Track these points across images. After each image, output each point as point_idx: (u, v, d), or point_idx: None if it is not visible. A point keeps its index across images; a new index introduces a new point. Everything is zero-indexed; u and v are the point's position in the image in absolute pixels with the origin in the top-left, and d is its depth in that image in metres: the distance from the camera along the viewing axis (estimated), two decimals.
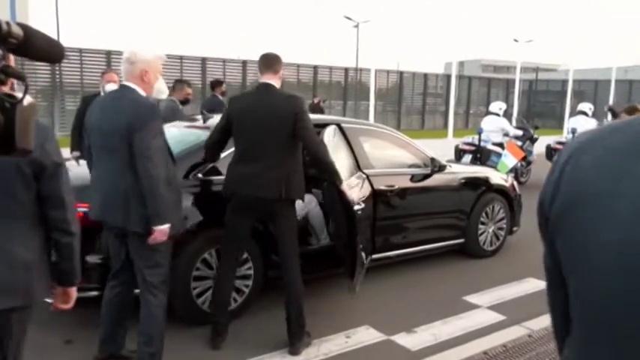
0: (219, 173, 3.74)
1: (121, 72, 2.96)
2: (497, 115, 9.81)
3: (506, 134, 9.78)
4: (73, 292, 2.11)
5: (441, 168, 5.05)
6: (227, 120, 3.40)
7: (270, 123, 3.24)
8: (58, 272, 2.02)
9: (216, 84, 8.71)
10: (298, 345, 3.38)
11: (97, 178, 2.95)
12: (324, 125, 4.04)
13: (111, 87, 5.26)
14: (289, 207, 3.37)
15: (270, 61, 3.38)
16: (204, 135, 4.05)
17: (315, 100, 13.63)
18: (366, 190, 4.05)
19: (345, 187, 3.50)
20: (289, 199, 3.32)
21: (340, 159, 4.37)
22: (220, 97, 8.42)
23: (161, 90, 3.05)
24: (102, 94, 5.24)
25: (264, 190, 3.25)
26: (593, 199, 0.71)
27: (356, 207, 3.56)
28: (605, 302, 0.71)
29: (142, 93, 2.85)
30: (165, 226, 2.76)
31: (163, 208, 2.72)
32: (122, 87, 2.90)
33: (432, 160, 5.02)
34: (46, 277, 1.98)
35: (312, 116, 5.98)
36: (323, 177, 3.53)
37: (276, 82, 3.38)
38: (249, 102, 3.39)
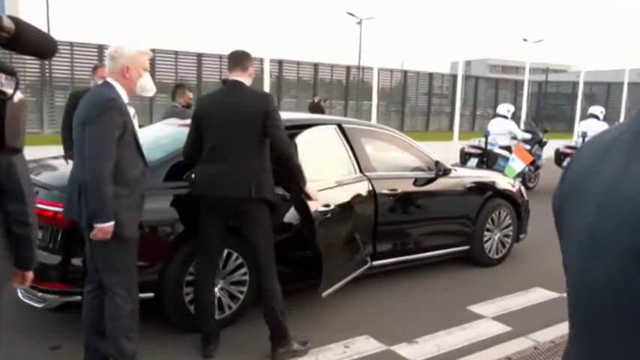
0: None
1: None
2: (505, 117, 9.82)
3: (514, 138, 9.79)
4: (30, 275, 2.27)
5: (445, 172, 5.06)
6: (196, 121, 3.43)
7: (238, 121, 3.26)
8: (17, 258, 2.15)
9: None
10: (280, 357, 3.38)
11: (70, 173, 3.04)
12: (303, 126, 4.03)
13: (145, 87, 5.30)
14: (261, 207, 3.36)
15: (238, 58, 3.42)
16: None
17: (316, 100, 13.66)
18: (342, 194, 4.01)
19: (310, 189, 3.49)
20: (260, 198, 3.31)
21: (340, 160, 4.39)
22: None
23: (145, 87, 3.04)
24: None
25: (233, 189, 3.26)
26: (577, 192, 0.74)
27: (322, 208, 3.59)
28: (575, 291, 0.74)
29: (119, 90, 2.89)
30: (106, 225, 2.75)
31: (105, 205, 2.73)
32: (104, 84, 2.97)
33: (437, 163, 5.03)
34: (8, 262, 2.10)
35: (312, 116, 5.98)
36: (289, 178, 3.54)
37: (245, 80, 3.40)
38: (217, 100, 3.43)
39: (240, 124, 3.27)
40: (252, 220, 3.36)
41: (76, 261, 3.33)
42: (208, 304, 3.46)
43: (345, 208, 3.96)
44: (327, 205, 3.72)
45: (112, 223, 2.77)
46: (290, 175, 3.46)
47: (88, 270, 3.12)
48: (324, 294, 3.70)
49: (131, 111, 2.97)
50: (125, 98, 2.93)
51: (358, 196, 4.28)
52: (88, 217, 2.79)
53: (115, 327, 2.94)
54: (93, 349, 3.09)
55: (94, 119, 2.78)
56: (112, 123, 2.77)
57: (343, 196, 4.02)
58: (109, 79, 2.94)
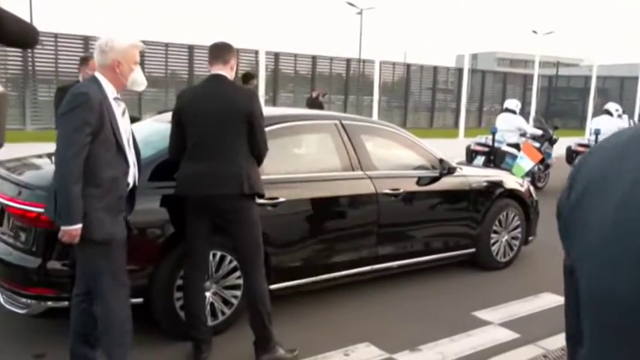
0: None
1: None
2: (514, 112, 9.84)
3: (523, 134, 9.81)
4: None
5: (450, 170, 5.07)
6: (177, 116, 3.44)
7: (223, 116, 3.29)
8: None
9: (247, 77, 8.82)
10: (265, 357, 3.39)
11: None
12: (301, 122, 4.07)
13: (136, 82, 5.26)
14: (251, 205, 3.39)
15: (219, 51, 3.44)
16: None
17: (314, 94, 13.66)
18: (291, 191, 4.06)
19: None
20: (253, 193, 3.35)
21: (340, 158, 4.41)
22: None
23: (137, 81, 3.02)
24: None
25: (222, 187, 3.28)
26: (594, 194, 0.77)
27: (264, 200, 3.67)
28: (591, 296, 0.76)
29: (105, 85, 2.86)
30: (71, 228, 2.72)
31: (70, 206, 2.69)
32: (91, 78, 2.94)
33: (441, 161, 5.04)
34: None
35: (311, 112, 5.98)
36: None
37: (227, 73, 3.42)
38: (198, 95, 3.45)
39: (225, 120, 3.29)
40: (242, 218, 3.36)
41: (60, 264, 3.33)
42: (198, 309, 3.47)
43: (304, 205, 4.04)
44: (274, 198, 3.83)
45: (78, 226, 2.72)
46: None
47: (76, 274, 3.12)
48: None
49: (121, 107, 2.95)
50: (112, 94, 2.90)
51: (359, 195, 4.28)
52: (57, 218, 2.78)
53: (107, 336, 2.93)
54: (79, 357, 3.09)
55: (63, 115, 2.76)
56: (80, 119, 2.71)
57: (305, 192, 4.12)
58: (96, 74, 2.92)
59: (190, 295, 3.47)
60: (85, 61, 5.56)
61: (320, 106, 12.30)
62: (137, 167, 3.07)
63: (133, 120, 5.36)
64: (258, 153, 3.40)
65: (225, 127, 3.29)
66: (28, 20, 1.35)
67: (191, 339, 3.45)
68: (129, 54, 2.92)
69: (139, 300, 3.47)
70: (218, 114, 3.29)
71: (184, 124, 3.39)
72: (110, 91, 2.89)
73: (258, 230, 3.43)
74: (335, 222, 4.27)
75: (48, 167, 4.14)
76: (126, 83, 2.96)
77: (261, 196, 3.48)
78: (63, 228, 2.74)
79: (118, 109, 2.91)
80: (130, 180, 3.01)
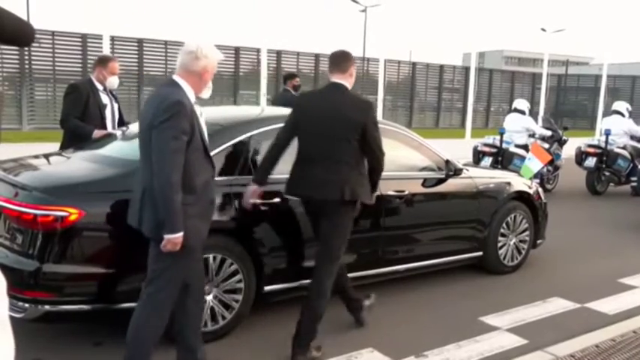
0: None
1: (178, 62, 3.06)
2: (523, 112, 9.83)
3: (532, 135, 9.80)
4: None
5: (456, 172, 5.06)
6: (295, 118, 3.69)
7: (338, 125, 3.52)
8: None
9: (288, 77, 9.26)
10: (300, 357, 3.49)
11: None
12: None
13: (115, 79, 5.28)
14: (349, 210, 3.60)
15: (338, 60, 3.68)
16: None
17: None
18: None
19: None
20: (353, 200, 3.56)
21: None
22: (293, 92, 8.97)
23: (209, 89, 3.16)
24: (97, 84, 5.24)
25: (323, 192, 3.53)
26: None
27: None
28: None
29: (187, 90, 2.96)
30: (175, 236, 2.82)
31: (174, 215, 2.80)
32: (171, 83, 3.03)
33: (447, 162, 5.03)
34: None
35: None
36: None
37: (346, 82, 3.64)
38: (316, 101, 3.69)
39: (339, 129, 3.52)
40: (335, 223, 3.58)
41: (58, 268, 3.33)
42: (343, 288, 3.93)
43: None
44: (272, 199, 3.89)
45: (181, 234, 2.83)
46: (371, 180, 3.75)
47: (147, 274, 3.16)
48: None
49: (199, 110, 3.05)
50: (192, 98, 2.99)
51: None
52: (156, 227, 2.86)
53: (147, 327, 3.00)
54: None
55: (161, 123, 2.81)
56: (178, 128, 2.81)
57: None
58: (176, 78, 3.00)
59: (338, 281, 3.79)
60: (104, 61, 5.36)
61: None
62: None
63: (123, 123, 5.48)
64: (372, 162, 3.66)
65: (339, 136, 3.51)
66: (24, 18, 1.36)
67: (348, 310, 4.00)
68: (215, 63, 3.06)
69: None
70: (335, 123, 3.52)
71: (299, 127, 3.64)
72: (191, 95, 3.00)
73: (345, 238, 3.63)
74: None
75: (45, 168, 4.16)
76: (204, 90, 3.08)
77: (366, 205, 3.74)
78: (167, 237, 2.82)
79: (199, 113, 3.03)
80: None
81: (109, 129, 5.17)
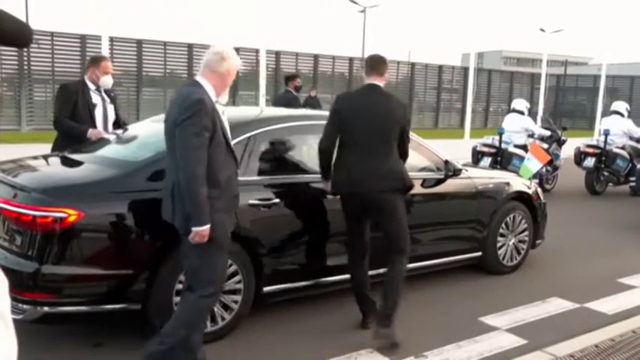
0: None
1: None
2: (522, 113, 9.84)
3: (531, 135, 9.80)
4: None
5: (455, 172, 5.06)
6: (337, 117, 3.92)
7: (382, 122, 3.86)
8: None
9: (290, 78, 9.30)
10: (381, 337, 3.74)
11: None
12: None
13: (108, 79, 5.22)
14: (402, 198, 4.01)
15: (376, 63, 4.01)
16: None
17: (312, 94, 13.67)
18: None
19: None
20: (411, 186, 4.05)
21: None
22: (294, 93, 8.98)
23: (226, 93, 3.35)
24: (89, 84, 5.19)
25: (387, 182, 3.85)
26: None
27: (254, 201, 3.85)
28: None
29: (209, 90, 3.12)
30: (203, 228, 2.96)
31: (201, 208, 2.94)
32: (193, 82, 3.18)
33: (446, 163, 5.03)
34: None
35: (315, 112, 5.96)
36: None
37: (381, 84, 4.00)
38: (358, 101, 3.96)
39: (388, 125, 3.86)
40: (395, 208, 3.91)
41: (57, 269, 3.33)
42: (364, 287, 4.09)
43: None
44: (269, 200, 3.93)
45: (208, 227, 2.97)
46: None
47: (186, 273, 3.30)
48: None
49: (221, 109, 3.20)
50: (214, 97, 3.14)
51: None
52: (184, 220, 3.01)
53: (188, 322, 3.15)
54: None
55: (184, 121, 2.96)
56: (200, 125, 2.95)
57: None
58: (199, 79, 3.17)
59: (355, 275, 4.09)
60: (96, 61, 5.33)
61: (317, 104, 12.30)
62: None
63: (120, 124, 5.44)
64: (403, 156, 4.04)
65: (383, 132, 3.85)
66: (22, 19, 1.35)
67: (361, 311, 4.09)
68: (236, 67, 3.24)
69: (137, 306, 3.48)
70: (381, 119, 3.85)
71: (343, 125, 3.89)
72: (213, 95, 3.15)
73: (406, 224, 4.00)
74: (337, 225, 4.26)
75: (44, 169, 4.16)
76: (225, 91, 3.26)
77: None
78: (194, 229, 2.96)
79: (221, 111, 3.18)
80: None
81: (99, 129, 5.12)
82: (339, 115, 3.92)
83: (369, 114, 3.86)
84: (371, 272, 4.21)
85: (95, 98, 5.20)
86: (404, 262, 3.97)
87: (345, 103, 4.00)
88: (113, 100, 5.40)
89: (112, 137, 4.73)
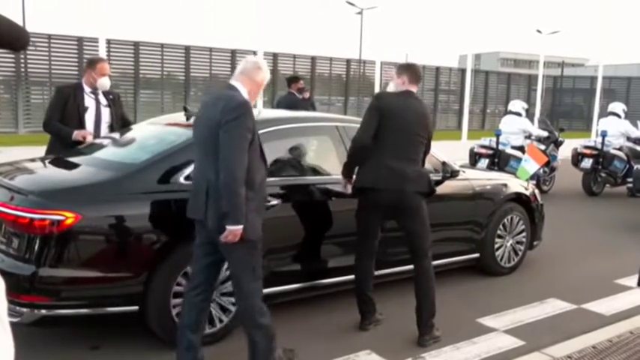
0: None
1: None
2: (519, 114, 9.85)
3: (528, 136, 9.81)
4: None
5: (453, 174, 5.05)
6: (380, 115, 4.02)
7: (416, 125, 4.02)
8: None
9: (292, 80, 9.28)
10: (427, 337, 3.91)
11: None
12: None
13: (105, 81, 5.12)
14: (424, 200, 4.07)
15: (416, 72, 4.23)
16: (185, 134, 4.06)
17: (306, 96, 13.65)
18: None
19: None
20: (433, 191, 4.15)
21: (340, 162, 4.40)
22: (297, 95, 8.95)
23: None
24: (85, 87, 5.12)
25: (415, 184, 3.96)
26: None
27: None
28: None
29: (244, 94, 3.20)
30: (238, 227, 3.00)
31: (239, 208, 2.99)
32: (231, 87, 3.26)
33: (444, 164, 5.03)
34: None
35: (311, 114, 5.96)
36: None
37: (415, 90, 4.18)
38: (399, 103, 4.06)
39: (419, 130, 4.02)
40: (418, 214, 4.00)
41: (55, 272, 3.32)
42: (367, 287, 4.14)
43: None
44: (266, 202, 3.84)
45: (242, 226, 3.02)
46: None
47: (192, 270, 3.34)
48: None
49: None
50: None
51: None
52: (219, 219, 3.03)
53: (249, 324, 3.23)
54: (188, 343, 3.25)
55: (229, 122, 3.01)
56: (245, 127, 3.04)
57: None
58: (234, 83, 3.25)
59: (360, 274, 4.12)
60: (92, 63, 5.25)
61: (312, 106, 12.30)
62: None
63: (127, 124, 5.35)
64: (424, 159, 4.19)
65: (416, 134, 4.00)
66: (19, 22, 1.35)
67: (360, 312, 4.13)
68: (267, 79, 3.42)
69: (134, 308, 3.48)
70: (414, 124, 4.01)
71: (382, 122, 3.99)
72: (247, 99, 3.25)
73: (428, 225, 4.07)
74: (335, 227, 4.26)
75: (41, 172, 4.15)
76: (255, 98, 3.37)
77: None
78: (229, 228, 3.00)
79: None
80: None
81: (87, 130, 5.02)
82: (381, 112, 4.02)
83: (407, 117, 3.98)
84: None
85: (88, 101, 5.09)
86: (427, 262, 4.07)
87: (387, 102, 4.09)
88: (114, 102, 5.27)
89: (105, 141, 4.66)
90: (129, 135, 4.75)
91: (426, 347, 3.83)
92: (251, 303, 3.21)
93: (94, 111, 5.08)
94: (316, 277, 4.30)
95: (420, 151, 4.06)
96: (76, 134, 4.89)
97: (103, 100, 5.18)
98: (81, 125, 5.00)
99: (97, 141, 4.74)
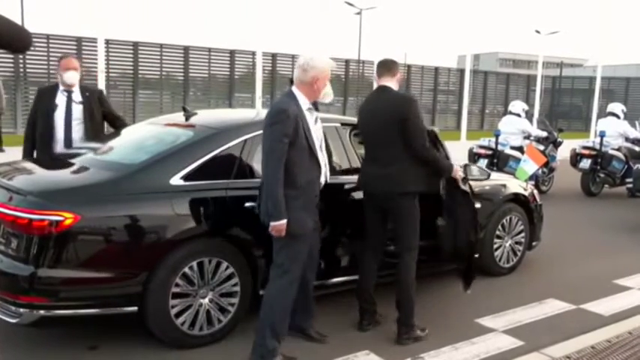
0: (201, 178, 3.75)
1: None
2: (518, 115, 9.86)
3: (527, 137, 9.82)
4: None
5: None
6: (358, 122, 4.14)
7: (384, 123, 3.86)
8: None
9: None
10: (405, 337, 3.91)
11: None
12: None
13: (70, 75, 5.04)
14: (408, 200, 3.92)
15: (386, 63, 4.06)
16: (184, 135, 4.06)
17: None
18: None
19: (457, 174, 4.12)
20: (407, 192, 3.90)
21: (340, 162, 4.41)
22: None
23: (327, 94, 3.63)
24: (60, 84, 5.12)
25: (399, 186, 3.86)
26: None
27: None
28: None
29: (301, 99, 3.45)
30: (278, 223, 3.29)
31: (277, 205, 3.27)
32: (287, 93, 3.53)
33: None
34: None
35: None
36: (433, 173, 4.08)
37: (393, 84, 4.00)
38: (369, 104, 4.06)
39: (384, 127, 3.86)
40: (401, 214, 3.93)
41: (54, 272, 3.31)
42: (369, 285, 4.13)
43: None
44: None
45: (284, 221, 3.30)
46: (433, 171, 4.02)
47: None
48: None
49: (313, 115, 3.53)
50: (306, 105, 3.47)
51: (359, 200, 4.28)
52: (265, 214, 3.36)
53: (272, 313, 3.44)
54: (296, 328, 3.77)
55: (267, 128, 3.38)
56: (280, 132, 3.29)
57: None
58: (293, 89, 3.50)
59: (363, 272, 4.15)
60: (59, 61, 5.26)
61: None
62: (327, 168, 3.67)
63: (115, 119, 5.36)
64: (412, 153, 3.86)
65: (383, 133, 3.88)
66: (20, 22, 1.35)
67: (360, 311, 4.13)
68: (325, 72, 3.52)
69: (134, 308, 3.47)
70: (382, 121, 3.88)
71: (359, 128, 4.15)
72: (304, 103, 3.47)
73: (415, 227, 3.97)
74: (332, 227, 4.26)
75: (39, 172, 4.15)
76: (319, 96, 3.55)
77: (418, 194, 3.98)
78: (272, 223, 3.31)
79: (311, 118, 3.49)
80: (322, 180, 3.58)
81: (59, 130, 5.01)
82: (358, 118, 4.13)
83: (374, 117, 3.94)
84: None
85: (59, 99, 5.05)
86: (408, 259, 3.98)
87: (360, 109, 4.15)
88: (89, 99, 5.16)
89: (82, 151, 4.48)
90: (128, 135, 4.75)
91: (405, 346, 3.87)
92: (283, 296, 3.47)
93: (64, 108, 5.03)
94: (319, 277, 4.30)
95: (399, 147, 3.85)
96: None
97: (76, 98, 5.11)
98: (49, 123, 4.99)
99: (97, 144, 4.72)
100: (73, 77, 5.07)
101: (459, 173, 4.13)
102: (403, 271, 3.96)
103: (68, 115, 5.04)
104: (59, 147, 4.97)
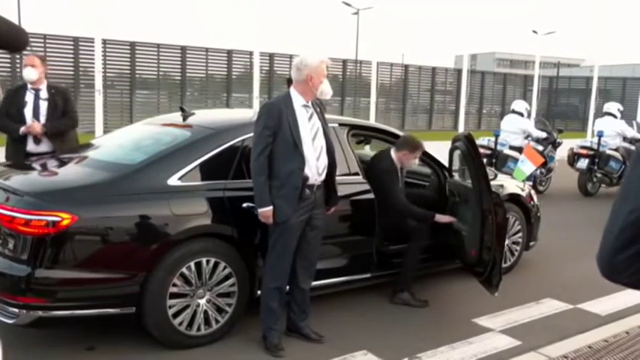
0: (199, 178, 3.75)
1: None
2: (521, 114, 9.87)
3: (527, 137, 9.83)
4: None
5: (450, 174, 5.07)
6: None
7: None
8: None
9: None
10: (400, 295, 4.46)
11: None
12: None
13: (28, 72, 5.13)
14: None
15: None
16: (181, 135, 4.06)
17: None
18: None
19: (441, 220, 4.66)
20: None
21: (338, 162, 4.40)
22: None
23: (324, 91, 3.73)
24: (28, 83, 5.18)
25: None
26: None
27: None
28: None
29: (295, 96, 3.62)
30: (262, 210, 3.52)
31: (259, 193, 3.51)
32: (285, 93, 3.71)
33: (441, 167, 5.03)
34: None
35: None
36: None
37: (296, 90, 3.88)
38: None
39: None
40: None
41: (51, 273, 3.32)
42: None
43: None
44: None
45: (267, 209, 3.52)
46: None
47: None
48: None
49: (309, 112, 3.65)
50: (301, 102, 3.62)
51: (357, 200, 4.28)
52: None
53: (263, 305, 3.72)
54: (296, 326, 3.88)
55: (254, 122, 3.61)
56: (260, 125, 3.53)
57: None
58: (291, 88, 3.70)
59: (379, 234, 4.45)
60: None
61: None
62: (328, 162, 3.74)
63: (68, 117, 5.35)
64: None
65: None
66: (17, 22, 1.35)
67: None
68: (319, 69, 3.63)
69: (131, 309, 3.47)
70: None
71: None
72: (298, 100, 3.62)
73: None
74: (332, 227, 4.27)
75: (37, 172, 4.15)
76: (316, 93, 3.67)
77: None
78: (258, 210, 3.53)
79: (305, 115, 3.62)
80: (309, 173, 3.59)
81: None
82: None
83: None
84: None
85: (28, 96, 5.18)
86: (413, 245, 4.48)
87: None
88: (54, 96, 5.25)
89: (101, 141, 4.58)
90: (125, 135, 4.75)
91: (398, 305, 4.31)
92: (265, 283, 3.67)
93: (32, 105, 5.17)
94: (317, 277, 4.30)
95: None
96: (23, 129, 5.02)
97: (43, 95, 5.23)
98: (20, 120, 5.12)
99: (93, 141, 4.75)
100: (30, 73, 5.17)
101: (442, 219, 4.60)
102: (407, 253, 4.48)
103: (36, 112, 5.18)
104: (30, 143, 5.10)
